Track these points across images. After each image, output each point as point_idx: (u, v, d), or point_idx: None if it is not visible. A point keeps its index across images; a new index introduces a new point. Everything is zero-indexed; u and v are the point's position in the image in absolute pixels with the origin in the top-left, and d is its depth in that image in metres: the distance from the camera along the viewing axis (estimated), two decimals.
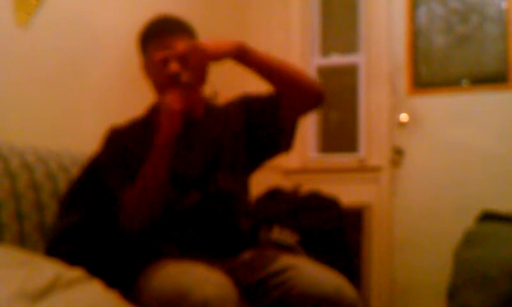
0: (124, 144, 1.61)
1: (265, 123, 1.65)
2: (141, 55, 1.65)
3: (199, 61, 1.47)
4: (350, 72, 3.38)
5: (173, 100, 1.48)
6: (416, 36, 3.28)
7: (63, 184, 1.78)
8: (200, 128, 1.67)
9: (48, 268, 1.21)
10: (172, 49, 1.56)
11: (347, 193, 3.04)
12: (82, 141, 2.08)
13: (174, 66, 1.54)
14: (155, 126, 1.52)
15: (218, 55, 1.48)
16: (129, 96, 2.42)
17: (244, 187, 1.70)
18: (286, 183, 3.12)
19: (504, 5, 3.12)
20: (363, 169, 3.27)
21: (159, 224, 1.56)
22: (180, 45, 1.56)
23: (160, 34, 1.59)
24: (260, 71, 1.54)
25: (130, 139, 1.61)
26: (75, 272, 1.23)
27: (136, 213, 1.51)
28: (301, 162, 3.35)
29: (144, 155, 1.51)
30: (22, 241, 1.61)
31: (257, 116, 1.67)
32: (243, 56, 1.51)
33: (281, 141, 1.67)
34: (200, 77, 1.52)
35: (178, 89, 1.50)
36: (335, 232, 2.68)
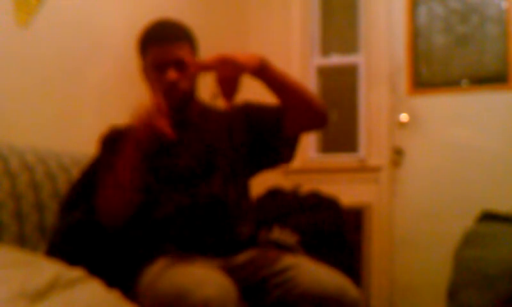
0: (119, 145, 1.61)
1: (268, 133, 1.66)
2: (140, 58, 1.65)
3: (230, 73, 1.40)
4: (350, 72, 3.38)
5: (142, 123, 1.41)
6: (416, 36, 3.28)
7: (63, 184, 1.78)
8: (195, 130, 1.67)
9: (48, 268, 1.21)
10: (171, 55, 1.55)
11: (347, 193, 3.05)
12: (82, 141, 2.09)
13: (171, 74, 1.54)
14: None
15: (248, 68, 1.41)
16: (129, 97, 2.41)
17: (242, 191, 1.70)
18: (286, 183, 3.12)
19: (504, 5, 3.12)
20: (363, 169, 3.27)
21: (155, 224, 1.56)
22: (179, 52, 1.56)
23: (159, 40, 1.58)
24: (275, 88, 1.52)
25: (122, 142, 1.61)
26: (75, 272, 1.23)
27: (107, 211, 1.51)
28: (301, 162, 3.35)
29: None
30: (22, 241, 1.62)
31: (260, 125, 1.67)
32: (263, 72, 1.46)
33: (283, 152, 1.68)
34: (233, 89, 1.42)
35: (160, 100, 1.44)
36: (335, 232, 2.68)
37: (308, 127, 1.67)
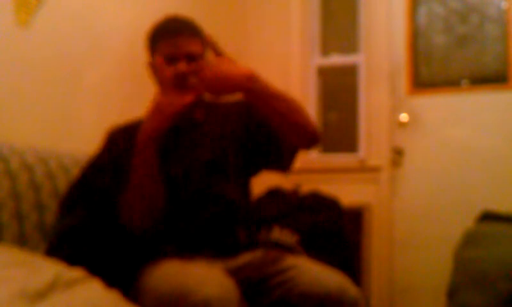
0: (122, 144, 1.61)
1: (266, 139, 1.65)
2: (149, 54, 1.65)
3: (220, 89, 1.44)
4: (350, 72, 3.38)
5: (170, 102, 1.46)
6: (416, 36, 3.28)
7: (63, 184, 1.78)
8: (201, 130, 1.67)
9: (48, 268, 1.21)
10: (183, 49, 1.56)
11: (347, 193, 3.04)
12: (82, 141, 2.09)
13: (181, 66, 1.54)
14: None
15: (238, 87, 1.42)
16: (129, 97, 2.42)
17: (244, 191, 1.70)
18: (286, 183, 3.11)
19: (503, 5, 3.12)
20: (363, 169, 3.27)
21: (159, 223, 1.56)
22: (191, 46, 1.57)
23: (172, 33, 1.59)
24: (266, 107, 1.48)
25: (129, 139, 1.61)
26: (75, 272, 1.23)
27: (135, 211, 1.50)
28: (301, 162, 3.32)
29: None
30: (22, 241, 1.61)
31: (260, 129, 1.66)
32: (252, 89, 1.43)
33: (282, 160, 1.67)
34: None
35: (180, 91, 1.48)
36: (335, 232, 2.68)
37: (297, 146, 1.64)
